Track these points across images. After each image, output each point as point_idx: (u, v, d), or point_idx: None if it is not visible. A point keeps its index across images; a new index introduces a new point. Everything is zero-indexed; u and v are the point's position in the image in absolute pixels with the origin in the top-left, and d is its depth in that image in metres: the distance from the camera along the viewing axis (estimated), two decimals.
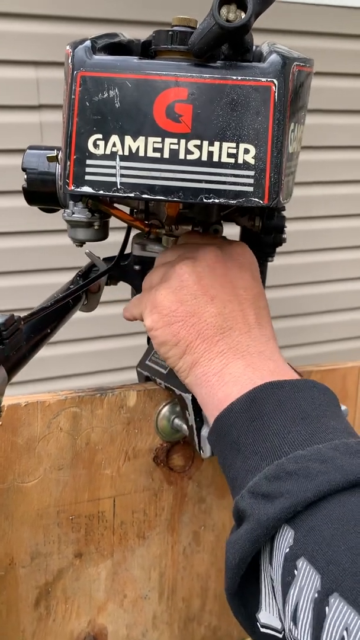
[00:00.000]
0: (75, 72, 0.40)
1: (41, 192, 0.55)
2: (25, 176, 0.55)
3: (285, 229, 0.58)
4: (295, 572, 0.32)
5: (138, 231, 0.57)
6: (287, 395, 0.38)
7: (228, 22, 0.37)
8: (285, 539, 0.33)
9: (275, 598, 0.35)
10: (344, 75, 1.96)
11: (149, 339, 0.63)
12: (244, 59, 0.42)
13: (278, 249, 0.60)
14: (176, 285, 0.44)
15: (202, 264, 0.44)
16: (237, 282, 0.44)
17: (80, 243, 0.57)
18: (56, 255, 1.69)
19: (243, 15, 0.37)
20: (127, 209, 0.56)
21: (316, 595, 0.30)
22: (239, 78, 0.39)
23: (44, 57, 1.63)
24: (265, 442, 0.36)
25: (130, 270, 0.58)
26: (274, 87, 0.39)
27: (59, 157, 0.53)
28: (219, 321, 0.42)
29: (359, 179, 1.95)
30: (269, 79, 0.39)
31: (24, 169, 0.55)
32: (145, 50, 0.49)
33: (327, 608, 0.29)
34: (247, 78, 0.39)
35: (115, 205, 0.54)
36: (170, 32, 0.41)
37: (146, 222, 0.55)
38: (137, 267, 0.57)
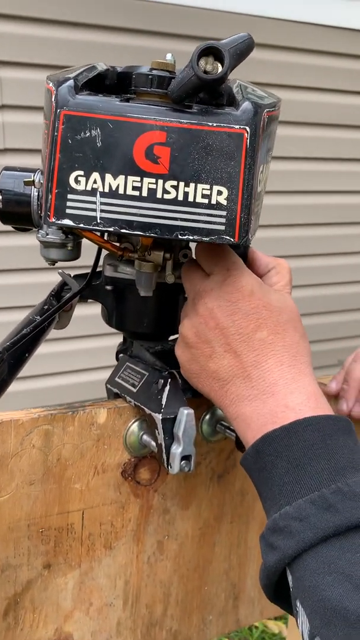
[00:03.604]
0: (58, 110, 0.42)
1: (16, 213, 0.56)
2: (1, 197, 0.56)
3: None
4: (297, 609, 0.40)
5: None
6: (282, 444, 0.43)
7: (206, 74, 0.40)
8: (290, 579, 0.41)
9: None
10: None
11: (117, 355, 0.65)
12: (218, 103, 0.45)
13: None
14: (182, 344, 0.51)
15: (198, 320, 0.49)
16: (229, 329, 0.47)
17: (53, 262, 0.59)
18: (22, 255, 1.68)
19: (220, 67, 0.40)
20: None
21: (308, 633, 0.38)
22: (214, 124, 0.41)
23: (8, 57, 1.62)
24: (270, 490, 0.43)
25: (101, 290, 0.60)
26: (246, 134, 0.42)
27: (35, 181, 0.54)
28: (220, 375, 0.48)
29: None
30: (241, 127, 0.42)
31: None
32: (121, 81, 0.51)
33: None
34: (222, 125, 0.42)
35: None
36: (150, 76, 0.44)
37: (119, 245, 0.57)
38: (108, 287, 0.59)
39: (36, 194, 0.55)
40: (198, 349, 0.49)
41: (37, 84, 1.51)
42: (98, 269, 0.61)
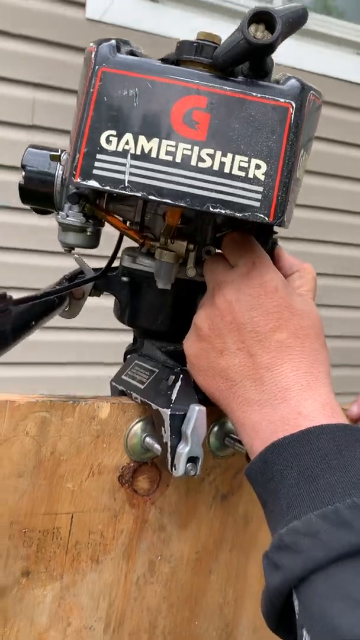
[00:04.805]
0: (97, 67, 0.40)
1: (37, 192, 0.54)
2: (23, 173, 0.54)
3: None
4: (303, 638, 0.35)
5: (128, 244, 0.56)
6: (292, 453, 0.39)
7: (256, 39, 0.38)
8: (295, 604, 0.36)
9: None
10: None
11: (125, 356, 0.61)
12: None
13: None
14: (194, 335, 0.47)
15: (214, 312, 0.46)
16: (246, 325, 0.44)
17: (70, 248, 0.56)
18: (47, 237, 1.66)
19: (270, 36, 0.38)
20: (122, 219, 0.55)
21: None
22: (259, 95, 0.39)
23: (42, 80, 1.66)
24: (278, 504, 0.39)
25: (117, 281, 0.57)
26: (291, 109, 0.40)
27: (61, 157, 0.52)
28: (229, 374, 0.44)
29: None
30: (287, 100, 0.40)
31: (23, 166, 0.54)
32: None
33: None
34: (267, 96, 0.39)
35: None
36: (195, 44, 0.42)
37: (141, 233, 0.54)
38: (124, 279, 0.56)
39: (60, 172, 0.53)
40: (209, 343, 0.46)
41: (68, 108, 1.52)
42: (115, 264, 0.58)
